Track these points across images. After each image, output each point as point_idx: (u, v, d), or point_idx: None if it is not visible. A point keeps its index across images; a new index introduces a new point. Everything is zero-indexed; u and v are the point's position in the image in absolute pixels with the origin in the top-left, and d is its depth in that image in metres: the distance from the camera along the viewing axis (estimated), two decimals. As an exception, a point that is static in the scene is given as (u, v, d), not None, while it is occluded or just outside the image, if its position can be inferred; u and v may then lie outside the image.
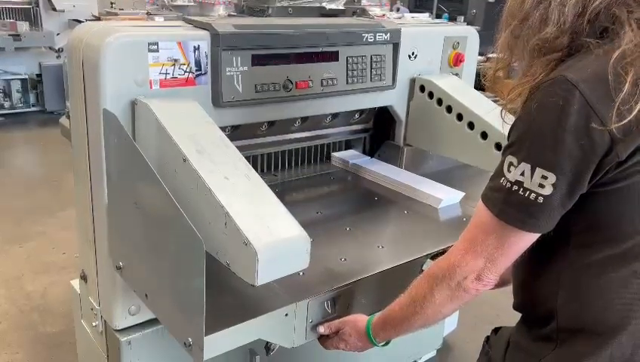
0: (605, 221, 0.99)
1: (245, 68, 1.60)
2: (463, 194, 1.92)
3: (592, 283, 1.02)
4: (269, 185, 2.01)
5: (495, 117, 1.85)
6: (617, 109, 0.89)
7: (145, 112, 1.38)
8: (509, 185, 0.99)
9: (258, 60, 1.61)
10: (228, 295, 1.32)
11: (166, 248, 1.19)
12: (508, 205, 1.00)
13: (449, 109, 1.94)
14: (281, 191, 1.95)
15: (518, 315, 1.21)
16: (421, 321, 1.20)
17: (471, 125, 1.88)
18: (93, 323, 1.73)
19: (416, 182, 1.96)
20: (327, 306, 1.36)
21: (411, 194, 1.93)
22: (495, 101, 1.91)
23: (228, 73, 1.56)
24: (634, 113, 0.89)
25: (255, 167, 2.05)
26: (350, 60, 1.82)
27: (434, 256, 1.63)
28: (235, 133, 1.80)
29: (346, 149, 2.30)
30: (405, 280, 1.56)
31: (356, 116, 2.14)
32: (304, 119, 1.94)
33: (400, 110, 2.08)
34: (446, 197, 1.89)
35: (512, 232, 1.01)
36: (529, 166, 0.95)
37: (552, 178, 0.94)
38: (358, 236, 1.65)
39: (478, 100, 1.96)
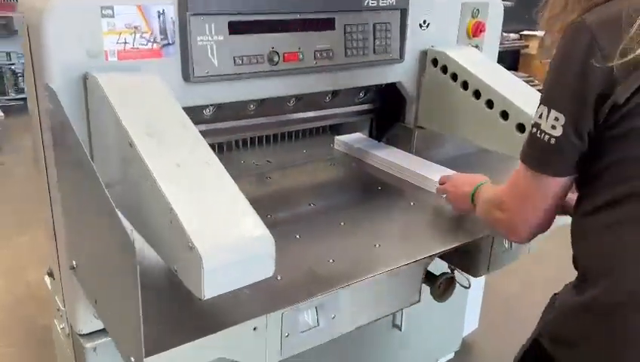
0: (609, 166, 0.98)
1: (221, 37, 1.38)
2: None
3: (592, 229, 1.02)
4: (260, 173, 1.84)
5: (518, 95, 1.59)
6: (622, 49, 0.91)
7: (95, 88, 1.18)
8: (534, 129, 1.03)
9: (236, 28, 1.39)
10: (191, 302, 1.12)
11: (104, 249, 0.99)
12: (529, 149, 1.06)
13: (465, 85, 1.69)
14: (273, 180, 1.74)
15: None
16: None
17: (490, 104, 1.62)
18: (61, 326, 1.56)
19: (427, 170, 1.72)
20: (307, 317, 1.15)
21: (421, 184, 1.69)
22: (528, 82, 1.66)
23: (200, 43, 1.35)
24: (636, 53, 0.90)
25: (245, 151, 1.85)
26: (349, 29, 1.59)
27: (442, 256, 1.39)
28: (218, 113, 1.59)
29: (351, 132, 2.07)
30: (404, 285, 1.34)
31: (361, 95, 1.90)
32: (299, 98, 1.72)
33: (410, 87, 1.83)
34: (460, 186, 1.64)
35: (534, 177, 1.05)
36: (545, 108, 1.01)
37: (561, 119, 0.98)
38: (353, 232, 1.42)
39: (500, 75, 1.70)
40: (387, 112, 1.97)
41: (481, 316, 2.66)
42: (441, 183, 1.57)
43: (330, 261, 1.28)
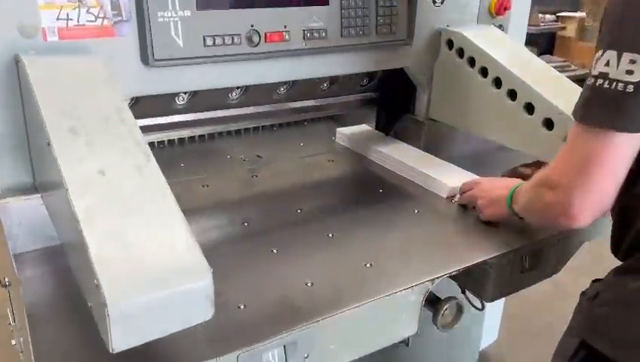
0: None
1: (187, 12, 1.16)
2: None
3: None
4: (247, 169, 1.62)
5: (547, 84, 1.34)
6: None
7: (23, 74, 0.98)
8: (592, 80, 0.90)
9: (206, 1, 1.17)
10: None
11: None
12: (593, 105, 0.91)
13: (484, 72, 1.44)
14: (260, 178, 1.52)
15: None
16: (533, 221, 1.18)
17: (512, 94, 1.37)
18: (12, 341, 1.38)
19: (437, 170, 1.48)
20: (272, 358, 0.93)
21: (429, 186, 1.45)
22: (564, 67, 1.38)
23: (161, 20, 1.13)
24: None
25: (233, 143, 1.64)
26: (346, 4, 1.35)
27: (454, 276, 1.16)
28: (194, 101, 1.38)
29: (359, 123, 1.84)
30: (399, 314, 1.11)
31: (364, 82, 1.66)
32: (290, 85, 1.49)
33: (420, 74, 1.59)
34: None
35: (600, 137, 0.90)
36: (615, 52, 0.87)
37: None
38: (343, 247, 1.20)
39: (526, 61, 1.45)
40: (395, 102, 1.73)
41: (501, 326, 2.42)
42: (465, 191, 1.34)
43: (309, 284, 1.06)
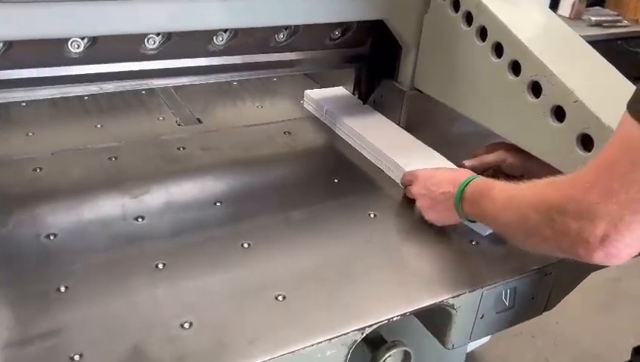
0: None
1: None
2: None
3: None
4: (177, 138, 1.30)
5: (564, 59, 0.98)
6: None
7: None
8: None
9: None
10: None
11: None
12: None
13: (482, 34, 1.07)
14: (184, 153, 1.20)
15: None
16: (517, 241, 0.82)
17: (516, 67, 1.01)
18: None
19: (410, 157, 1.14)
20: None
21: (396, 176, 1.13)
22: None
23: None
24: None
25: (157, 105, 1.32)
26: None
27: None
28: (95, 49, 1.06)
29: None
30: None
31: (336, 33, 1.31)
32: (234, 34, 1.15)
33: (404, 30, 1.23)
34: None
35: None
36: None
37: None
38: (253, 265, 0.89)
39: (541, 23, 1.07)
40: (377, 64, 1.38)
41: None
42: (406, 183, 1.03)
43: (185, 325, 0.76)
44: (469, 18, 1.10)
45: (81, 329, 0.74)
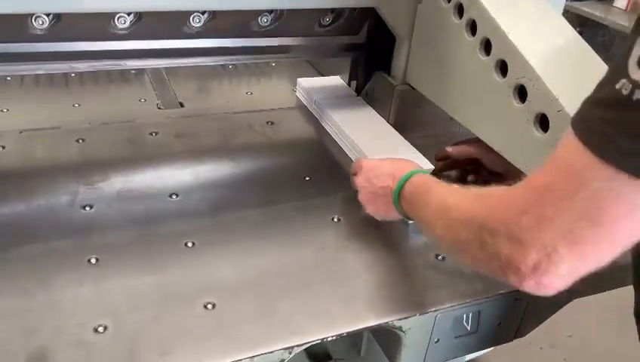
0: None
1: None
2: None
3: None
4: (154, 122, 1.24)
5: (554, 61, 0.87)
6: None
7: None
8: (628, 90, 0.49)
9: None
10: None
11: None
12: (622, 130, 0.49)
13: (472, 28, 0.97)
14: (155, 139, 1.15)
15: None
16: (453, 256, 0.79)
17: (503, 68, 0.91)
18: None
19: (386, 154, 1.06)
20: None
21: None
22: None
23: None
24: None
25: (141, 86, 1.27)
26: None
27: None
28: (60, 26, 1.01)
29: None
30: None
31: (327, 19, 1.22)
32: (212, 15, 1.09)
33: (396, 20, 1.14)
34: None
35: (626, 185, 0.49)
36: None
37: None
38: (191, 267, 0.83)
39: (536, 19, 0.96)
40: (373, 53, 1.29)
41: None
42: (353, 173, 0.95)
43: (100, 329, 0.71)
44: (460, 10, 1.00)
45: None
